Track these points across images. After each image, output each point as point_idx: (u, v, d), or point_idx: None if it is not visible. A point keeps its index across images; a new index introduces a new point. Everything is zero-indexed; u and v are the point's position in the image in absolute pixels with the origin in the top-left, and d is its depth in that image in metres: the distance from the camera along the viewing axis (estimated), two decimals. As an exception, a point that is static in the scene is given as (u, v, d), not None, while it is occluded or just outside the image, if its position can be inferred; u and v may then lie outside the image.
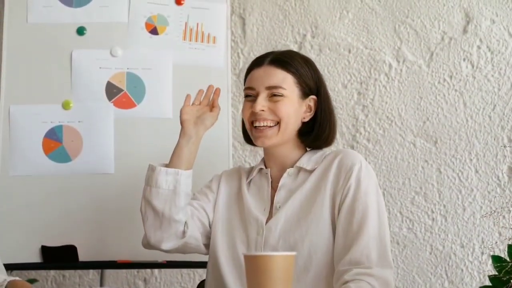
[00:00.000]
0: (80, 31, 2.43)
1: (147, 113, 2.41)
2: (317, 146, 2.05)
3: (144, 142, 2.41)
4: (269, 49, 2.76)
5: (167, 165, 2.03)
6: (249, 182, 2.07)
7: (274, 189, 2.01)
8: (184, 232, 2.00)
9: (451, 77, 2.74)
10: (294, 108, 1.99)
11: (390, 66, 2.75)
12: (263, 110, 1.97)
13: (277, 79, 1.98)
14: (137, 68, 2.43)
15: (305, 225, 1.92)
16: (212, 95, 2.12)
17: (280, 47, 2.76)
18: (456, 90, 2.73)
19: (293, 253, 1.68)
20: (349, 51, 2.76)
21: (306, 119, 2.02)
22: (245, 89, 2.03)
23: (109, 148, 2.40)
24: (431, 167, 2.72)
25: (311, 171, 1.98)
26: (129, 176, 2.40)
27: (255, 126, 1.99)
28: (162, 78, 2.43)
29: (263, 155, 2.10)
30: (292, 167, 2.01)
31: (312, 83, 2.02)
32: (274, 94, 1.97)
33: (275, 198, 1.99)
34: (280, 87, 1.97)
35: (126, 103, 2.41)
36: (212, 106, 2.10)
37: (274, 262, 1.59)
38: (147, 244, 2.06)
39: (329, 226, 1.91)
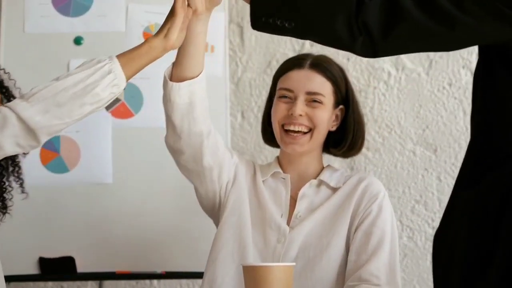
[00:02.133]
0: (78, 40, 2.42)
1: (145, 123, 2.40)
2: (346, 155, 2.04)
3: (142, 152, 2.41)
4: (268, 58, 2.77)
5: (176, 67, 1.84)
6: (263, 182, 2.00)
7: (292, 197, 1.97)
8: (203, 145, 1.88)
9: (450, 84, 2.73)
10: (328, 117, 1.96)
11: (389, 74, 2.74)
12: (301, 115, 1.92)
13: (318, 85, 1.95)
14: (134, 77, 2.40)
15: (326, 241, 1.90)
16: None
17: (279, 55, 2.75)
18: (455, 98, 2.72)
19: (293, 264, 1.67)
20: (348, 59, 2.75)
21: (333, 129, 2.00)
22: (281, 89, 1.97)
23: (107, 158, 2.39)
24: (431, 175, 2.71)
25: (334, 188, 1.96)
26: (128, 185, 2.39)
27: (287, 130, 1.94)
28: (160, 88, 2.41)
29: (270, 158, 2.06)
30: (314, 178, 1.98)
31: (344, 93, 2.00)
32: (313, 100, 1.94)
33: (296, 207, 1.94)
34: (321, 94, 1.95)
35: (123, 113, 2.41)
36: None
37: (273, 273, 1.58)
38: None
39: (344, 245, 1.90)
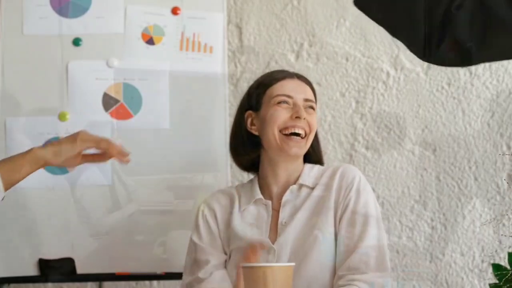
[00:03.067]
0: (76, 42, 2.42)
1: (144, 124, 2.40)
2: (316, 162, 2.12)
3: (141, 153, 2.40)
4: (267, 59, 2.77)
5: None
6: (242, 211, 2.04)
7: (274, 209, 2.02)
8: None
9: (449, 84, 2.73)
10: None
11: (388, 74, 2.74)
12: (304, 118, 2.01)
13: (310, 94, 2.07)
14: (133, 79, 2.42)
15: (312, 237, 1.94)
16: None
17: (278, 56, 2.75)
18: (454, 98, 2.72)
19: (292, 264, 1.67)
20: (347, 60, 2.75)
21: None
22: (279, 95, 2.03)
23: (106, 159, 2.39)
24: (430, 175, 2.71)
25: (312, 188, 2.02)
26: (127, 187, 2.39)
27: (289, 134, 2.00)
28: (159, 89, 2.42)
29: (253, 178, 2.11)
30: (294, 183, 2.03)
31: None
32: (309, 107, 2.04)
33: (280, 214, 2.00)
34: (314, 102, 2.07)
35: (123, 114, 2.40)
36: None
37: (273, 273, 1.58)
38: None
39: (333, 234, 1.95)
